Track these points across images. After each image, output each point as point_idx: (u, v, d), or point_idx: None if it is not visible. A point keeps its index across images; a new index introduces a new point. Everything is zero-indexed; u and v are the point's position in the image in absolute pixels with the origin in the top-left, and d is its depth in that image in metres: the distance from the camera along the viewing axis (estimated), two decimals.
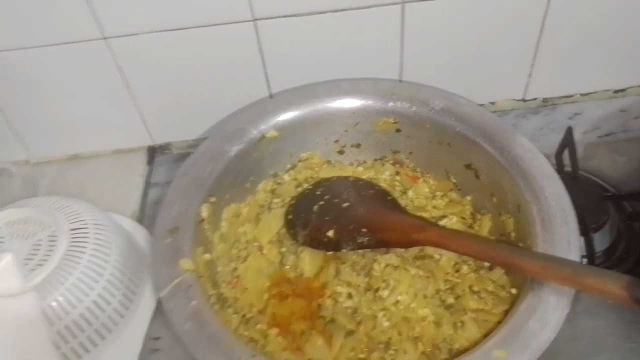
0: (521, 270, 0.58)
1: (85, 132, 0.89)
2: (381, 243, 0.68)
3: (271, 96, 0.84)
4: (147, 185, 0.88)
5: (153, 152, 0.92)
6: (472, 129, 0.71)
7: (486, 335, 0.59)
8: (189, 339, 0.56)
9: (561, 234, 0.59)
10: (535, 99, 0.90)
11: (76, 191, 0.85)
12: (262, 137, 0.74)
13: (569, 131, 0.76)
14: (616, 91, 0.90)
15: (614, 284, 0.51)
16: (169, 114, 0.87)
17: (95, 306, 0.64)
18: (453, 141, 0.73)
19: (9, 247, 0.63)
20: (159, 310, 0.71)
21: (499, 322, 0.59)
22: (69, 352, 0.64)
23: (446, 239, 0.64)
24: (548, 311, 0.54)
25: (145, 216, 0.83)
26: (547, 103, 0.91)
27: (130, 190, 0.87)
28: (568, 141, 0.76)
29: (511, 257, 0.58)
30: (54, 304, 0.61)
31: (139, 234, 0.79)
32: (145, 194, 0.86)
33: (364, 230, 0.69)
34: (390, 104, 0.75)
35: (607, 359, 0.64)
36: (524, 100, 0.90)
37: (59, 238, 0.65)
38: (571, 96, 0.90)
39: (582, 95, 0.90)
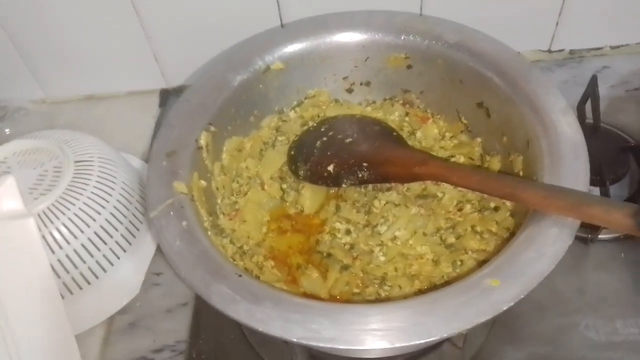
0: (523, 202, 0.54)
1: (101, 73, 0.89)
2: (382, 177, 0.66)
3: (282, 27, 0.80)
4: (158, 127, 0.86)
5: (166, 95, 0.91)
6: (486, 64, 0.67)
7: None
8: (177, 257, 0.54)
9: (570, 167, 0.55)
10: (561, 50, 0.86)
11: (90, 130, 0.83)
12: (267, 69, 0.72)
13: (593, 80, 0.72)
14: None
15: (619, 213, 0.47)
16: (183, 56, 0.86)
17: (97, 238, 0.65)
18: (465, 78, 0.69)
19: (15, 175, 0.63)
20: None
21: None
22: (70, 282, 0.64)
23: (447, 170, 0.61)
24: (547, 243, 0.50)
25: None
26: (574, 55, 0.87)
27: (143, 131, 0.87)
28: (591, 91, 0.72)
29: (513, 188, 0.55)
30: (55, 232, 0.62)
31: None
32: (155, 136, 0.86)
33: (365, 164, 0.67)
34: (403, 37, 0.71)
35: (614, 312, 0.63)
36: (549, 52, 0.87)
37: (64, 169, 0.65)
38: (600, 49, 0.86)
39: (612, 48, 0.86)
